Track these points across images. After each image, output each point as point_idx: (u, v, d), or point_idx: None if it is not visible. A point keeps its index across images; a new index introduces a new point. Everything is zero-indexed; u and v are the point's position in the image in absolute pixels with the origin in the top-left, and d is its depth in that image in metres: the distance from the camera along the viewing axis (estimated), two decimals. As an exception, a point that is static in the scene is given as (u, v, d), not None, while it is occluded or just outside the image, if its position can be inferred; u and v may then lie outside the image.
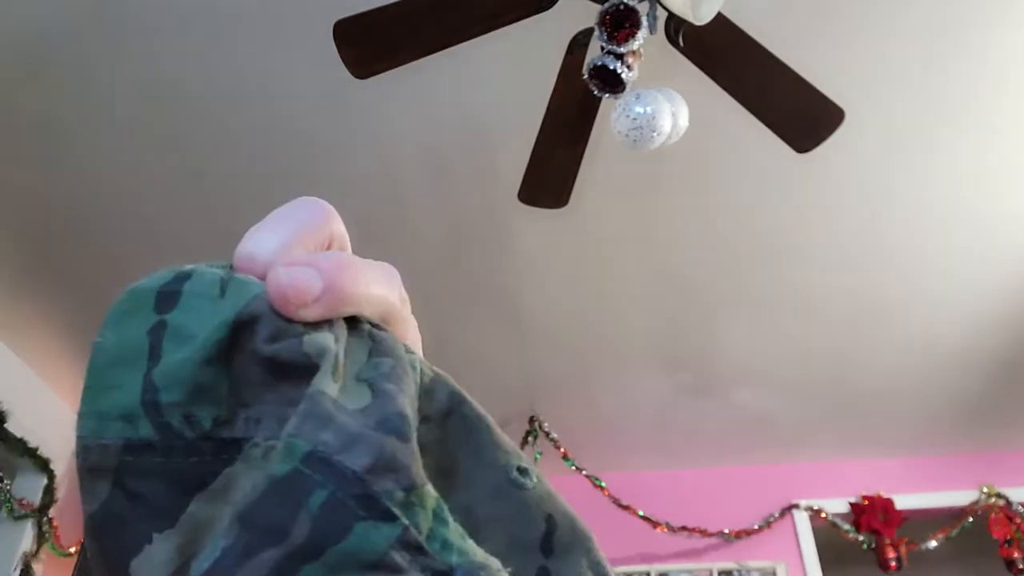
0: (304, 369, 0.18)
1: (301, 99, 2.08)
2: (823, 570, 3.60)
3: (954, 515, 3.67)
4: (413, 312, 0.24)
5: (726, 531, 3.63)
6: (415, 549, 0.16)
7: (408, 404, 0.18)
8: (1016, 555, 3.47)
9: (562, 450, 3.40)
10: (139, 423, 0.17)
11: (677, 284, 2.76)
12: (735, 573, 3.60)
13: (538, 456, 3.35)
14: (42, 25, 1.87)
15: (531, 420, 3.43)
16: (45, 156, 2.23)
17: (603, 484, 3.48)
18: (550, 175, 1.90)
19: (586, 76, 1.56)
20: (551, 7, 1.56)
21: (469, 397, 0.21)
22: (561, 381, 3.30)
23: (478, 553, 0.17)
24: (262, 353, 0.18)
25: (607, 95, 1.57)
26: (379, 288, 0.21)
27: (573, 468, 3.43)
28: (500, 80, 2.03)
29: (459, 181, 2.34)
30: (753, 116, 1.71)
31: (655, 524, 3.57)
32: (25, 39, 1.91)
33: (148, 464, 0.17)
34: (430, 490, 0.17)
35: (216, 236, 2.51)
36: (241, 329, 0.18)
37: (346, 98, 2.06)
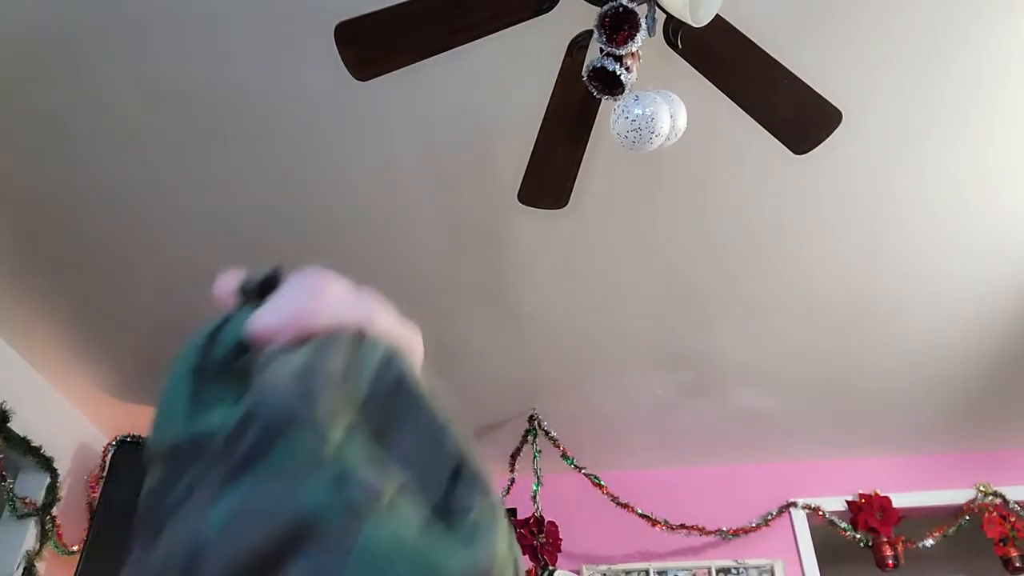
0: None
1: (301, 99, 2.09)
2: (820, 568, 3.62)
3: (951, 513, 3.69)
4: (411, 313, 0.32)
5: (724, 529, 3.65)
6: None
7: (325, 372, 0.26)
8: (1013, 553, 3.48)
9: (561, 448, 3.41)
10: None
11: (676, 284, 2.77)
12: (733, 571, 3.62)
13: (537, 454, 3.36)
14: (42, 25, 1.88)
15: (531, 419, 3.44)
16: (45, 155, 2.24)
17: (602, 482, 3.50)
18: (550, 176, 1.91)
19: (585, 78, 1.57)
20: (551, 9, 1.57)
21: (414, 376, 0.29)
22: (560, 380, 3.31)
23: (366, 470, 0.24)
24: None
25: (606, 97, 1.58)
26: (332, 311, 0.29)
27: (572, 466, 3.44)
28: (500, 81, 2.04)
29: (459, 181, 2.35)
30: (751, 118, 1.72)
31: (654, 522, 3.59)
32: (25, 39, 1.91)
33: None
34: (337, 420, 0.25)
35: (216, 235, 2.52)
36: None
37: (346, 98, 2.07)
